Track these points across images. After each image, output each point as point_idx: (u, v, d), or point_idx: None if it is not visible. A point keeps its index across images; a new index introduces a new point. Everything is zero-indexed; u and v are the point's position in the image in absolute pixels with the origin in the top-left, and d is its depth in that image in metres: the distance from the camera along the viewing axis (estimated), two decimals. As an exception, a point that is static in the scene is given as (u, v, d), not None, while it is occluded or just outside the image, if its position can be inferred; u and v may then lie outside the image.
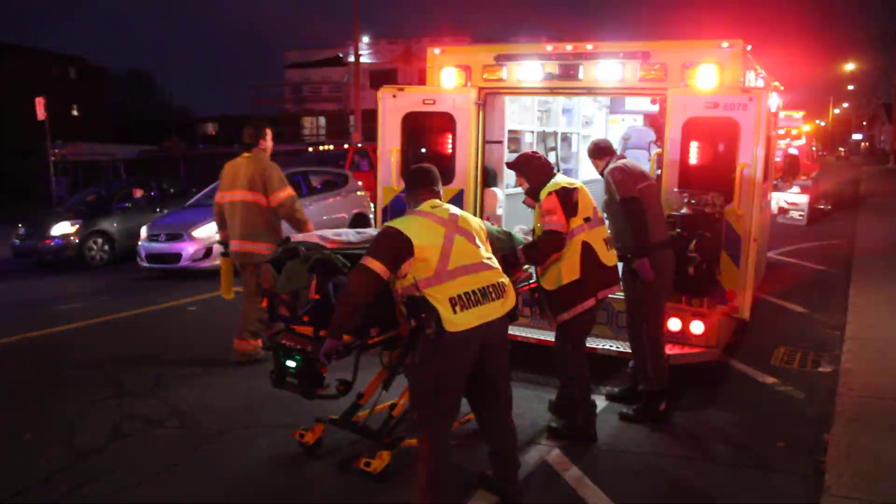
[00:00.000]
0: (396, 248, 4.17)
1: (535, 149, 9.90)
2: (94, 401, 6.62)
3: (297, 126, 47.95)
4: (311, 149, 21.95)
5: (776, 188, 17.62)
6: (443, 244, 4.24)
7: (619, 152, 10.49)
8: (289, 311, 5.12)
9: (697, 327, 6.68)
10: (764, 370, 7.37)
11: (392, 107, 7.63)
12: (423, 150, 7.74)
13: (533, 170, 5.60)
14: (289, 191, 7.34)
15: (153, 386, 7.01)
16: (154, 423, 6.11)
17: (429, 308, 4.13)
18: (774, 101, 9.38)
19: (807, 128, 29.34)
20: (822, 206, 20.75)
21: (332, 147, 22.71)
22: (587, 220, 5.44)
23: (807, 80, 64.40)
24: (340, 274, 4.91)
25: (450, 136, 7.49)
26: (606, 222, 5.77)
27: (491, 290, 4.29)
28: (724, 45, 6.71)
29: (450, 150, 7.51)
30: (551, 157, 10.39)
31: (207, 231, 12.63)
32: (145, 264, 13.09)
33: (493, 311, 4.28)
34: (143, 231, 13.40)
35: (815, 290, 11.10)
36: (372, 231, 5.54)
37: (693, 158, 6.55)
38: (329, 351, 4.28)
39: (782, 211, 18.34)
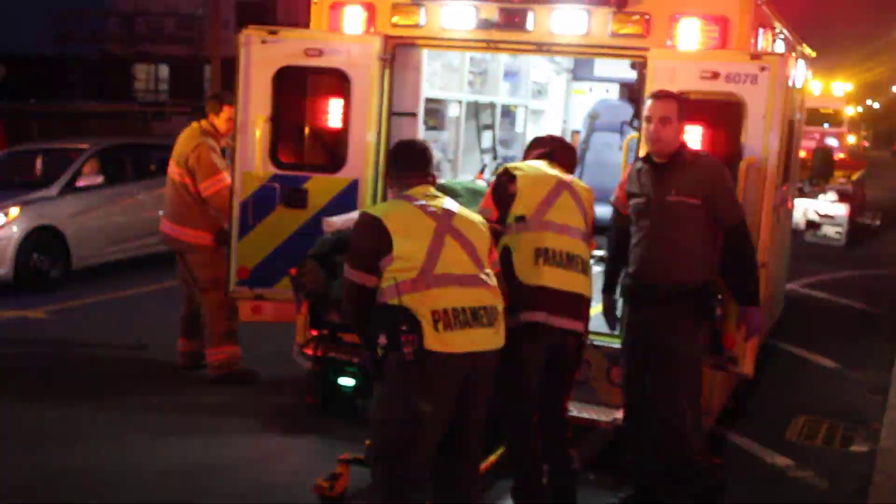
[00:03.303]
0: (374, 243, 4.51)
1: (463, 125, 10.02)
2: None
3: (125, 76, 47.05)
4: None
5: (803, 194, 18.12)
6: (429, 245, 4.52)
7: (583, 134, 10.83)
8: (340, 315, 5.51)
9: (681, 386, 6.83)
10: (775, 448, 7.62)
11: (260, 57, 7.62)
12: (305, 121, 7.75)
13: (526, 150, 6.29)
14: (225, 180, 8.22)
15: None
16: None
17: (410, 320, 4.36)
18: (801, 71, 9.73)
19: (851, 111, 30.29)
20: (867, 222, 21.52)
21: None
22: (519, 219, 5.62)
23: (855, 41, 66.26)
24: None
25: (342, 103, 7.55)
26: (575, 232, 5.75)
27: (483, 313, 4.55)
28: (729, -12, 6.94)
29: (341, 123, 7.56)
30: (486, 139, 10.55)
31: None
32: None
33: (484, 339, 4.56)
34: None
35: (850, 338, 11.51)
36: None
37: (681, 148, 6.72)
38: (366, 363, 4.74)
39: (812, 226, 18.98)
